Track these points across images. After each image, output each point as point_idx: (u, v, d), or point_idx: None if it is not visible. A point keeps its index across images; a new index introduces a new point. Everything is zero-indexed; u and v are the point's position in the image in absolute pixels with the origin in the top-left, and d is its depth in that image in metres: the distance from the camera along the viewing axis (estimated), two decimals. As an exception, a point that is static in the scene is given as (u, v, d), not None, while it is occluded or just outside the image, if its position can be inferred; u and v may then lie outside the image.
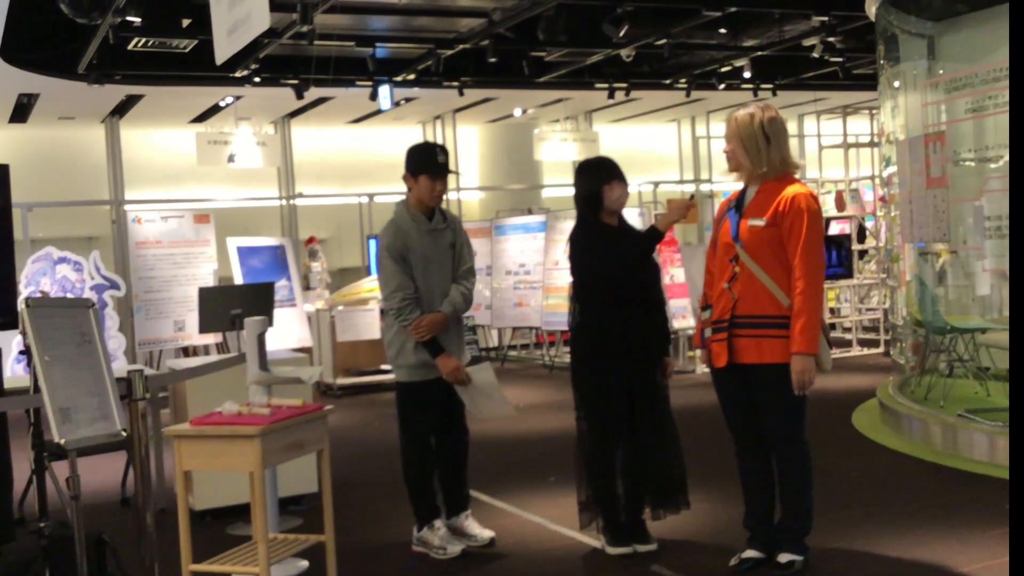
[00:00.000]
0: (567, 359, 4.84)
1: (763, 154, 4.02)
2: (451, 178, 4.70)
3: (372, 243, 12.67)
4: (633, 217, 11.59)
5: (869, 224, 12.23)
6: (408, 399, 4.64)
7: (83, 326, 3.64)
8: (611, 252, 4.41)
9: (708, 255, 4.25)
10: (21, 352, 4.76)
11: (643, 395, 4.38)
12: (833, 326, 12.27)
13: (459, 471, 4.73)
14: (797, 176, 4.14)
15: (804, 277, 3.91)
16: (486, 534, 4.67)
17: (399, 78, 10.57)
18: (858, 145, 12.98)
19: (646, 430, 4.39)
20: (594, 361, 4.40)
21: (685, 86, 11.79)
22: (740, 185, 4.18)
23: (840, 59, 10.92)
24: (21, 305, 3.67)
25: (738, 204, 4.12)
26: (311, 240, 11.83)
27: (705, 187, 16.01)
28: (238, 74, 9.79)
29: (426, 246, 4.55)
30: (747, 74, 11.19)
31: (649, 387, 4.41)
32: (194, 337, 9.96)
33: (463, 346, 4.68)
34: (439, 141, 13.98)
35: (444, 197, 4.68)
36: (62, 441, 3.44)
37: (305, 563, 4.45)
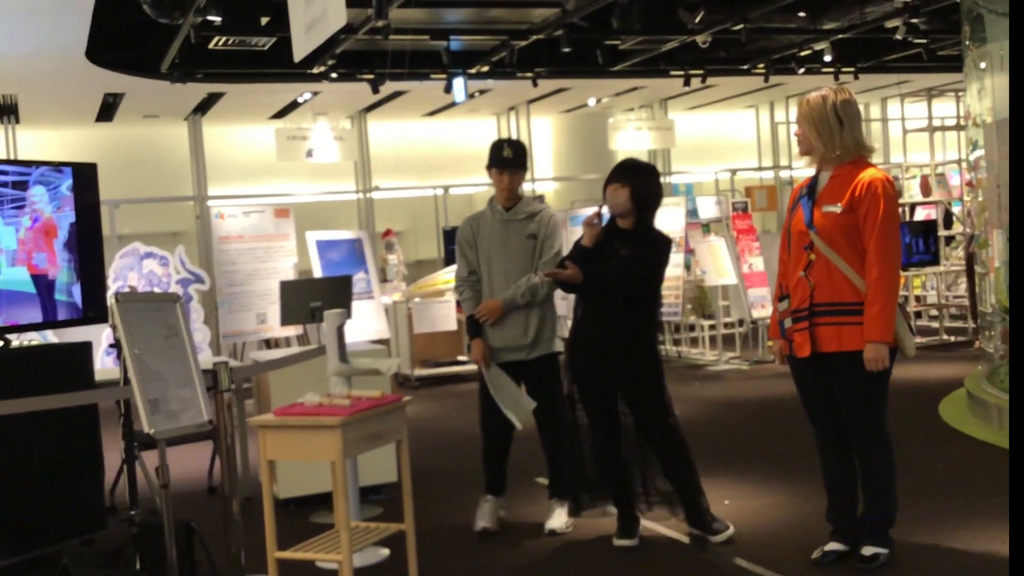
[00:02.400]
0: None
1: (836, 137, 3.96)
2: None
3: (446, 235, 12.75)
4: (709, 205, 11.51)
5: (956, 209, 11.87)
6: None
7: (170, 320, 3.75)
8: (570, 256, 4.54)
9: (781, 244, 4.18)
10: (111, 345, 4.90)
11: (593, 396, 4.51)
12: (919, 314, 11.96)
13: (548, 456, 4.86)
14: (870, 160, 4.06)
15: (879, 264, 3.84)
16: (550, 524, 4.75)
17: (473, 70, 10.60)
18: (944, 128, 12.60)
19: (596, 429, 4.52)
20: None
21: (763, 71, 11.57)
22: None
23: (924, 40, 10.62)
24: (111, 300, 3.79)
25: (810, 190, 4.05)
26: (387, 233, 11.94)
27: (784, 173, 15.73)
28: (315, 70, 9.92)
29: (495, 234, 4.77)
30: (828, 57, 10.93)
31: (603, 389, 4.47)
32: (276, 329, 10.15)
33: (524, 331, 4.73)
34: (513, 132, 14.00)
35: (523, 188, 4.86)
36: (152, 431, 3.54)
37: (386, 551, 4.51)
